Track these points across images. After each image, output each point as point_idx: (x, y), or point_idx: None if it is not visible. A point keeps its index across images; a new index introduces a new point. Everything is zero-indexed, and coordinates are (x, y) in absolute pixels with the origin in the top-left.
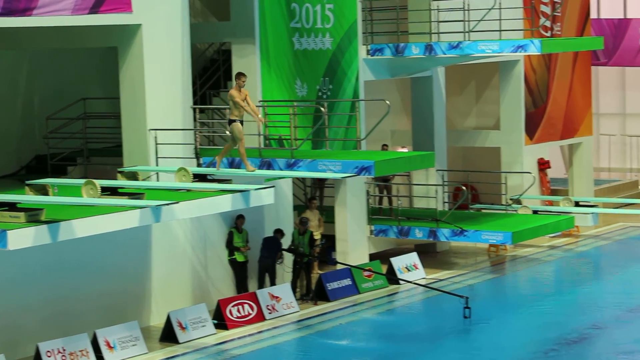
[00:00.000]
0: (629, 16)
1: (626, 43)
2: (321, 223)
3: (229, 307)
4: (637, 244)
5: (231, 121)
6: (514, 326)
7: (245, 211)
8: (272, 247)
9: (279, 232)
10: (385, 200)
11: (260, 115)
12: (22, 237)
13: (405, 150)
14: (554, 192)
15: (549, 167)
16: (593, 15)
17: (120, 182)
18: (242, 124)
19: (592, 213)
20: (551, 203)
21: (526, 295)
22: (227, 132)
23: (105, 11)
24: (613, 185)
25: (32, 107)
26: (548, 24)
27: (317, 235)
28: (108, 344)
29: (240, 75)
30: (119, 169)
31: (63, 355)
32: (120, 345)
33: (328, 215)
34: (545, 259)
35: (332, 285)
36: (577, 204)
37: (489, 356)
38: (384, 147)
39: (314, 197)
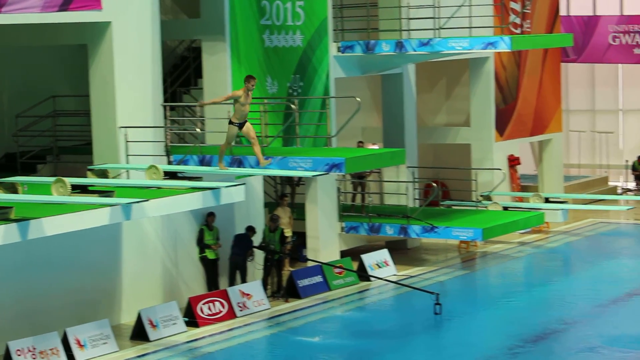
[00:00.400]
0: (598, 13)
1: (595, 40)
2: (291, 220)
3: (200, 304)
4: (607, 239)
5: (231, 122)
6: (484, 322)
7: (216, 208)
8: (243, 244)
9: (250, 230)
10: (358, 198)
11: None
12: None
13: (376, 147)
14: (524, 189)
15: (519, 164)
16: (562, 12)
17: (91, 180)
18: (241, 127)
19: (562, 209)
20: (521, 199)
21: (496, 291)
22: (198, 130)
23: (74, 8)
24: (583, 181)
25: (1, 104)
26: (518, 21)
27: (288, 233)
28: (79, 342)
29: (250, 78)
30: (89, 167)
31: (33, 354)
32: (91, 343)
33: (299, 212)
34: (515, 255)
35: (303, 282)
36: (547, 200)
37: (459, 352)
38: (360, 143)
39: (285, 194)
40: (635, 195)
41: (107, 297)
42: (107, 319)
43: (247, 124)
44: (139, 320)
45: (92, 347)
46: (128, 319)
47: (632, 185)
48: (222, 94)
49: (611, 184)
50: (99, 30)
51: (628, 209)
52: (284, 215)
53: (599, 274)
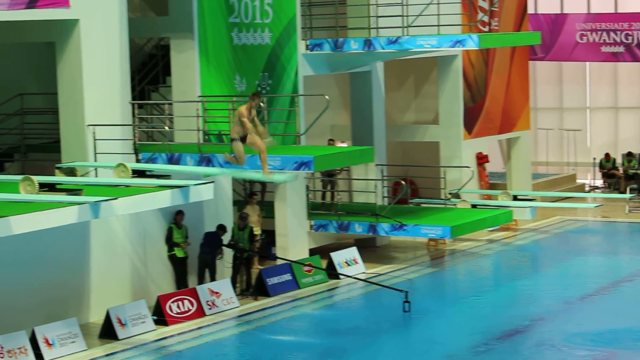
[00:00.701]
0: (565, 11)
1: (563, 38)
2: (260, 218)
3: (169, 303)
4: (575, 237)
5: (232, 140)
6: (453, 319)
7: (184, 207)
8: (212, 242)
9: (221, 228)
10: (328, 196)
11: (269, 138)
12: None
13: (344, 145)
14: (492, 186)
15: (488, 162)
16: (530, 10)
17: (59, 178)
18: (243, 140)
19: (530, 207)
20: (490, 197)
21: (465, 289)
22: (166, 128)
23: (42, 6)
24: (551, 179)
25: None
26: (486, 19)
27: (257, 231)
28: (47, 341)
29: (255, 96)
30: (57, 165)
31: (1, 353)
32: (59, 342)
33: (268, 210)
34: (483, 252)
35: (272, 281)
36: (515, 198)
37: (427, 349)
38: (330, 141)
39: (255, 192)
40: (603, 192)
41: (76, 295)
42: (76, 318)
43: (249, 136)
44: (108, 319)
45: (60, 345)
46: (97, 318)
47: (599, 182)
48: (190, 92)
49: (579, 181)
50: (67, 28)
51: (596, 207)
52: (253, 214)
53: (567, 271)
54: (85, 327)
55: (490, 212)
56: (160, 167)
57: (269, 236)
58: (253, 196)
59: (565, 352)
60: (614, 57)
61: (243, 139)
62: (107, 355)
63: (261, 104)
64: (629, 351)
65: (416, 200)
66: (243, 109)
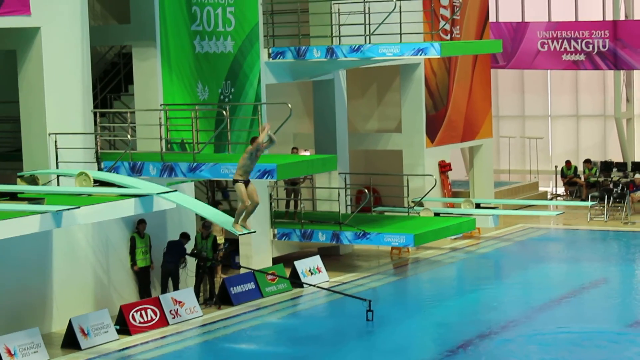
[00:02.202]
0: (526, 20)
1: (524, 46)
2: (223, 228)
3: (132, 312)
4: (538, 244)
5: (235, 180)
6: (416, 328)
7: (147, 216)
8: (175, 251)
9: (184, 237)
10: (291, 204)
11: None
12: None
13: (307, 153)
14: (455, 194)
15: (450, 170)
16: (492, 18)
17: (20, 187)
18: (247, 184)
19: (493, 215)
20: (452, 205)
21: (428, 297)
22: (128, 136)
23: (3, 14)
24: (513, 187)
25: None
26: (448, 27)
27: (220, 240)
28: (8, 351)
29: (253, 139)
30: (19, 174)
31: None
32: (21, 352)
33: None
34: (447, 261)
35: (235, 290)
36: (478, 206)
37: (391, 358)
38: (294, 150)
39: (219, 201)
40: (565, 200)
41: (38, 305)
42: (38, 328)
43: (251, 186)
44: (70, 329)
45: (22, 355)
46: (59, 327)
47: (561, 190)
48: (153, 100)
49: (541, 189)
50: (28, 36)
51: (557, 215)
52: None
53: (529, 279)
54: (48, 337)
55: (453, 220)
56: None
57: (233, 245)
58: (218, 206)
59: (528, 358)
60: (575, 66)
61: (246, 183)
62: None
63: (223, 111)
64: (589, 355)
65: (379, 208)
66: (249, 149)
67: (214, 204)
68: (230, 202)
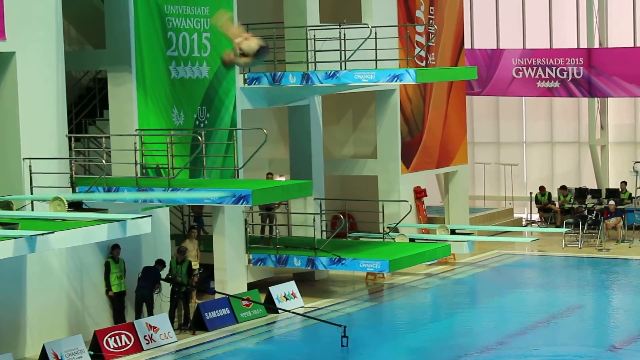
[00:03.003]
0: (501, 47)
1: (499, 73)
2: (199, 253)
3: (106, 337)
4: (512, 271)
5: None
6: (391, 354)
7: (122, 240)
8: (150, 276)
9: (160, 263)
10: (267, 229)
11: None
12: None
13: (283, 178)
14: (430, 220)
15: (425, 196)
16: (467, 45)
17: None
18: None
19: (468, 241)
20: (427, 231)
21: (403, 323)
22: (103, 161)
23: None
24: (488, 213)
25: None
26: (423, 53)
27: (195, 265)
28: None
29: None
30: None
31: None
32: None
33: (206, 244)
34: (422, 286)
35: (210, 315)
36: (453, 232)
37: None
38: (269, 175)
39: (193, 226)
40: (540, 227)
41: (11, 330)
42: (11, 353)
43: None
44: (44, 354)
45: None
46: (32, 353)
47: (536, 217)
48: (128, 125)
49: (516, 215)
50: (3, 60)
51: (532, 241)
52: (192, 248)
53: (504, 305)
54: None
55: (428, 246)
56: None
57: (207, 270)
58: (192, 230)
59: None
60: (550, 93)
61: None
62: None
63: (199, 137)
64: None
65: (355, 234)
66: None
67: (189, 229)
68: (203, 228)
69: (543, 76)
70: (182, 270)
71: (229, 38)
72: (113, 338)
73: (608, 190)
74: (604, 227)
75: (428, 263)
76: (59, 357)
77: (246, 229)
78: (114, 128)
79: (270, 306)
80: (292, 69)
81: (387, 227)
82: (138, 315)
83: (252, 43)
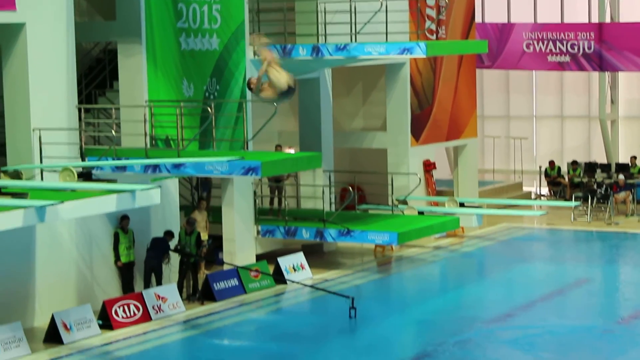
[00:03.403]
0: (512, 21)
1: (510, 47)
2: (208, 224)
3: (115, 307)
4: (521, 244)
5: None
6: (399, 326)
7: (131, 211)
8: (158, 247)
9: (168, 234)
10: (276, 201)
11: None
12: None
13: (292, 151)
14: (439, 193)
15: (435, 169)
16: (478, 19)
17: (4, 181)
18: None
19: (477, 214)
20: (437, 204)
21: (411, 295)
22: (113, 132)
23: None
24: (497, 186)
25: None
26: (433, 27)
27: (204, 236)
28: None
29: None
30: (2, 169)
31: None
32: (3, 346)
33: (215, 215)
34: (430, 259)
35: (218, 286)
36: (462, 205)
37: (373, 355)
38: (278, 147)
39: (202, 197)
40: (549, 200)
41: (20, 299)
42: (20, 322)
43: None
44: (53, 323)
45: (4, 350)
46: (41, 322)
47: (545, 191)
48: (138, 97)
49: (525, 189)
50: (13, 31)
51: (541, 215)
52: (201, 220)
53: (513, 278)
54: (30, 332)
55: (437, 219)
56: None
57: (216, 241)
58: (201, 201)
59: (509, 357)
60: (560, 67)
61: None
62: (51, 359)
63: (208, 108)
64: (573, 352)
65: (363, 206)
66: None
67: (199, 200)
68: (210, 197)
69: (554, 50)
70: (191, 241)
71: (263, 62)
72: (122, 308)
73: (618, 164)
74: (613, 201)
75: (437, 236)
76: (68, 327)
77: (255, 201)
78: (124, 99)
79: (278, 277)
80: (302, 42)
81: (396, 200)
82: (147, 286)
83: (281, 78)
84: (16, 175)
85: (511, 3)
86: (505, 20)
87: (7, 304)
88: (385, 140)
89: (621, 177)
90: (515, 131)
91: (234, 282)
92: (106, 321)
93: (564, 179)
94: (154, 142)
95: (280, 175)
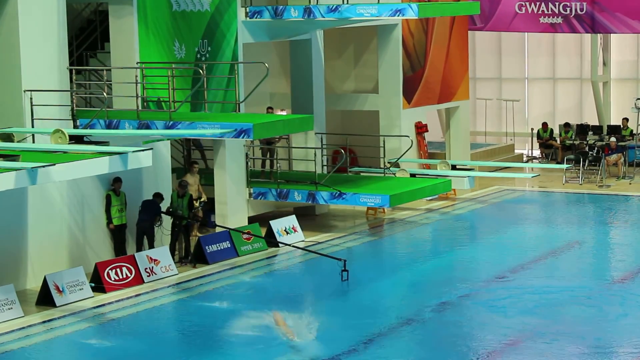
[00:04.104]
0: None
1: (502, 9)
2: (201, 187)
3: (107, 270)
4: (512, 207)
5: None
6: (391, 288)
7: (123, 174)
8: (150, 210)
9: (158, 197)
10: (268, 164)
11: None
12: None
13: (284, 113)
14: (431, 156)
15: (427, 131)
16: None
17: None
18: None
19: (469, 176)
20: (428, 166)
21: (403, 257)
22: (104, 94)
23: None
24: (489, 148)
25: None
26: None
27: (203, 198)
28: None
29: None
30: None
31: None
32: None
33: (207, 177)
34: (422, 221)
35: (211, 248)
36: (454, 168)
37: (365, 317)
38: (269, 109)
39: (195, 160)
40: (541, 163)
41: (12, 262)
42: (12, 284)
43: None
44: (45, 286)
45: None
46: (34, 285)
47: (537, 153)
48: (129, 58)
49: (517, 151)
50: None
51: (533, 177)
52: (193, 182)
53: (504, 240)
54: (22, 294)
55: (429, 181)
56: (98, 132)
57: (208, 204)
58: (193, 165)
59: (500, 318)
60: (552, 29)
61: None
62: (44, 322)
63: (200, 70)
64: (565, 312)
65: (355, 169)
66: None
67: (190, 164)
68: (206, 161)
69: (546, 12)
70: (183, 203)
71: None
72: (114, 270)
73: (609, 126)
74: (605, 163)
75: (428, 198)
76: (60, 289)
77: (247, 163)
78: (115, 61)
79: (270, 240)
80: (294, 3)
81: (388, 162)
82: (139, 248)
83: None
84: (7, 137)
85: None
86: None
87: (0, 267)
88: (377, 102)
89: (613, 139)
90: (507, 93)
91: (226, 244)
92: (98, 283)
93: (556, 141)
94: (145, 104)
95: (272, 137)
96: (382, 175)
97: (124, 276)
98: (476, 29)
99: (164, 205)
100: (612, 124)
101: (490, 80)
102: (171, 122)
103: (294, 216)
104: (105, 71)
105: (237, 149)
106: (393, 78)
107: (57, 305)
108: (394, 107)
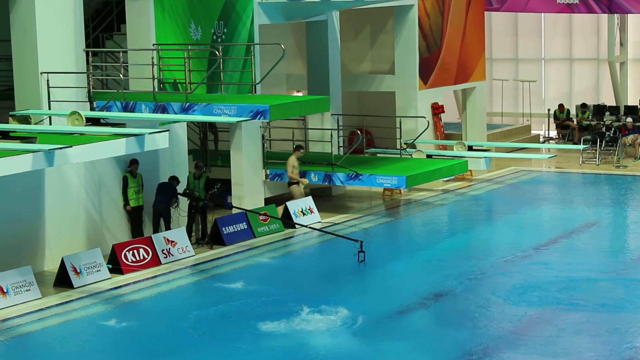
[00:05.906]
0: None
1: None
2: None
3: (124, 251)
4: (529, 187)
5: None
6: (407, 269)
7: (140, 155)
8: (167, 191)
9: (174, 179)
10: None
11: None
12: None
13: (300, 94)
14: (447, 137)
15: (443, 112)
16: None
17: (12, 125)
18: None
19: (485, 157)
20: (445, 147)
21: (419, 238)
22: (120, 76)
23: None
24: (505, 129)
25: None
26: None
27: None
28: (1, 289)
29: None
30: (11, 113)
31: None
32: (14, 290)
33: (224, 159)
34: (438, 202)
35: (227, 230)
36: (470, 148)
37: (381, 298)
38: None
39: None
40: (557, 143)
41: (30, 244)
42: (30, 266)
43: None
44: (63, 267)
45: (15, 294)
46: (51, 266)
47: (553, 133)
48: (145, 40)
49: (534, 132)
50: None
51: (550, 158)
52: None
53: (521, 221)
54: (40, 276)
55: (446, 162)
56: (115, 114)
57: (225, 185)
58: (300, 149)
59: (521, 297)
60: (569, 9)
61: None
62: (61, 303)
63: (216, 52)
64: (582, 294)
65: (372, 150)
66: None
67: (205, 145)
68: (217, 142)
69: None
70: (199, 185)
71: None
72: (131, 252)
73: (626, 107)
74: (622, 144)
75: (445, 179)
76: (78, 270)
77: (263, 145)
78: (131, 43)
79: (287, 221)
80: None
81: (405, 143)
82: (156, 230)
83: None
84: (25, 119)
85: None
86: None
87: (17, 249)
88: (394, 83)
89: (629, 119)
90: (523, 74)
91: (242, 226)
92: (116, 265)
93: (573, 121)
94: (161, 85)
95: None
96: (399, 156)
97: (141, 258)
98: (492, 9)
99: (180, 188)
100: (629, 104)
101: (507, 61)
102: (187, 104)
103: (310, 197)
104: (121, 53)
105: (253, 131)
106: (409, 59)
107: (75, 286)
108: (410, 88)
